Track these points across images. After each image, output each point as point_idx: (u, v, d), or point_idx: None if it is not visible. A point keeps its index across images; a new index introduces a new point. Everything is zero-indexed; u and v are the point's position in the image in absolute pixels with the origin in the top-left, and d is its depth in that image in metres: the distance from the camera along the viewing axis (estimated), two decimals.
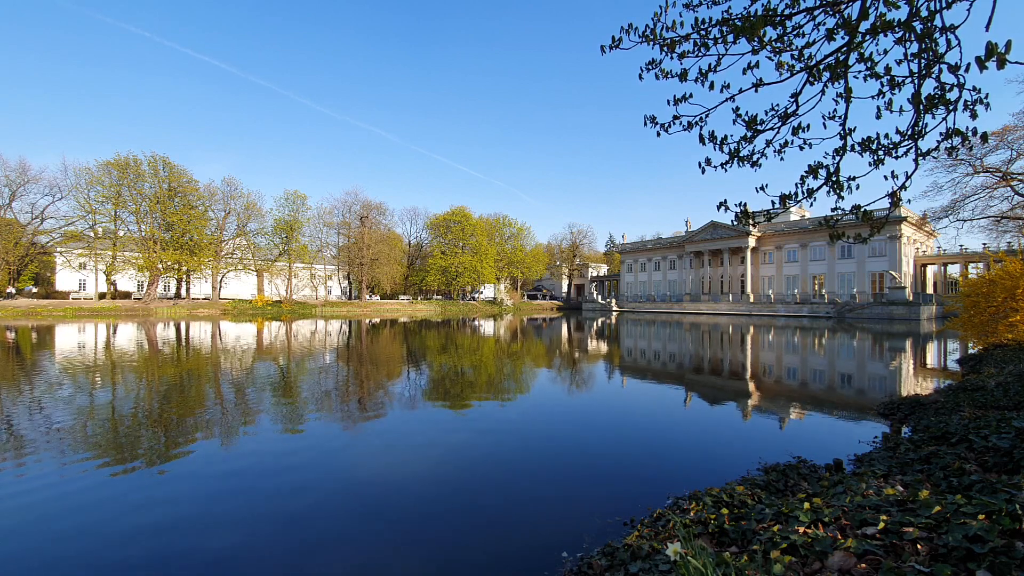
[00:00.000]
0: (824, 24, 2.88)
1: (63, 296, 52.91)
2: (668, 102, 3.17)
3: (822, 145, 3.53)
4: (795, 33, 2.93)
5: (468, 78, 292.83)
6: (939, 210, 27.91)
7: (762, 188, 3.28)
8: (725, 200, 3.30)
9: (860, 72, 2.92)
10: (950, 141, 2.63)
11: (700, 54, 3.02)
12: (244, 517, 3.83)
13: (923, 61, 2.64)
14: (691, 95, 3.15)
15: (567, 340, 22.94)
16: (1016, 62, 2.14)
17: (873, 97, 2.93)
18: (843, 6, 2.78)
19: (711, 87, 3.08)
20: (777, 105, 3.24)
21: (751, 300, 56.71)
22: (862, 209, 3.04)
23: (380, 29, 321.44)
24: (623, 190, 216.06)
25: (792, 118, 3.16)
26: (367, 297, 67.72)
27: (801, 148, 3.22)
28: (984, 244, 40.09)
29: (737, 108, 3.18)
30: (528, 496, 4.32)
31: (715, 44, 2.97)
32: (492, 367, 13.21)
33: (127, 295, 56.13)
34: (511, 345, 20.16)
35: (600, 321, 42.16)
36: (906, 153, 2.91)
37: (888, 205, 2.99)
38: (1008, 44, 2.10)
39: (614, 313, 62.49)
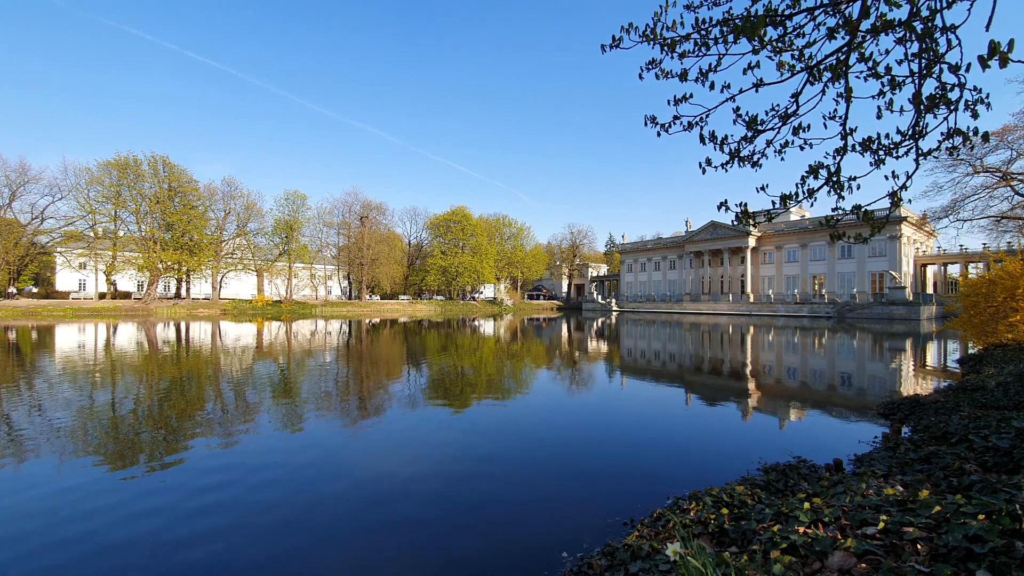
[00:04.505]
0: (825, 24, 2.88)
1: (63, 296, 52.89)
2: (668, 102, 3.17)
3: (823, 145, 3.53)
4: (796, 33, 2.93)
5: (468, 78, 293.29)
6: (939, 210, 27.88)
7: (763, 188, 3.28)
8: (726, 200, 3.30)
9: (861, 72, 2.91)
10: (951, 141, 2.63)
11: (700, 54, 3.02)
12: (244, 517, 3.83)
13: (924, 61, 2.64)
14: (691, 95, 3.14)
15: (567, 340, 22.93)
16: (1019, 60, 2.14)
17: (874, 97, 2.92)
18: (844, 6, 2.78)
19: (711, 87, 3.07)
20: (777, 105, 3.24)
21: (751, 300, 56.70)
22: (863, 209, 3.04)
23: (380, 30, 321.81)
24: (623, 190, 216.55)
25: (793, 118, 3.15)
26: (367, 297, 67.71)
27: (802, 148, 3.22)
28: (984, 244, 40.06)
29: (737, 108, 3.18)
30: (528, 496, 4.32)
31: (715, 44, 2.97)
32: (492, 367, 13.21)
33: (127, 295, 56.12)
34: (511, 345, 20.15)
35: (600, 321, 42.16)
36: (907, 153, 2.91)
37: (889, 205, 2.99)
38: (1011, 43, 2.10)
39: (614, 313, 62.48)
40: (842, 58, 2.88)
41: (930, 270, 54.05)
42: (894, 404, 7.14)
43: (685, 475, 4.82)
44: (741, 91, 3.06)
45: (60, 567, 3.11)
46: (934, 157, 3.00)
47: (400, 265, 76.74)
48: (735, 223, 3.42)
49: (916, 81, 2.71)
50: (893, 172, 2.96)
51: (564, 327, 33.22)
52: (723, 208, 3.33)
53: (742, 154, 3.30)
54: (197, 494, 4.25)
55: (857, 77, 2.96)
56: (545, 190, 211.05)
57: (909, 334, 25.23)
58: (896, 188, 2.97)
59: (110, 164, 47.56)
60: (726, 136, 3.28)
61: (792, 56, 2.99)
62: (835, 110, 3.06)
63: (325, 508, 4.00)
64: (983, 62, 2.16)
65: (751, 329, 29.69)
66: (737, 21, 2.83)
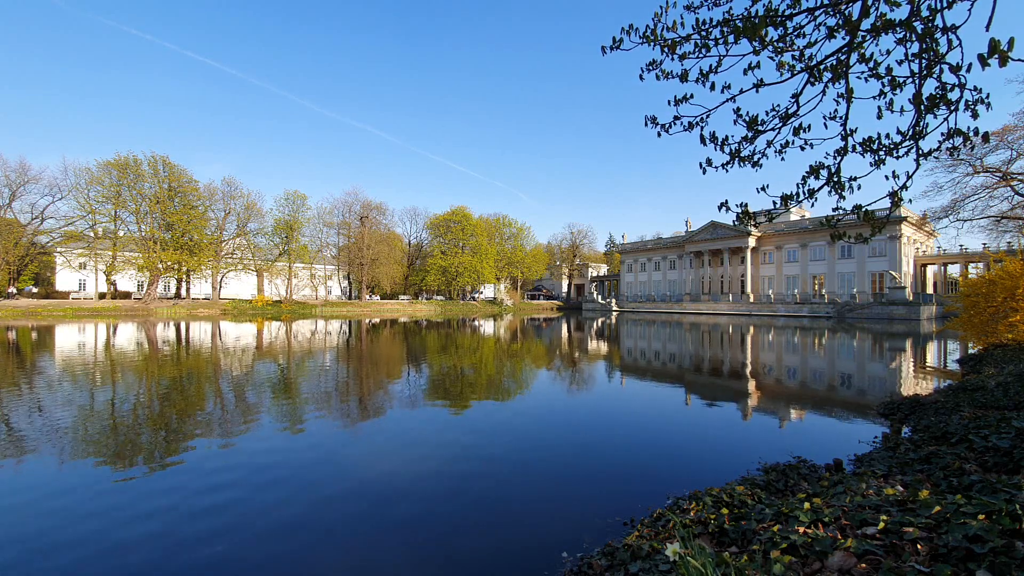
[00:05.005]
0: (825, 24, 2.88)
1: (63, 296, 52.88)
2: (669, 103, 3.17)
3: (823, 145, 3.53)
4: (796, 33, 2.93)
5: (468, 79, 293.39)
6: (939, 210, 27.90)
7: (763, 188, 3.29)
8: (727, 200, 3.30)
9: (861, 72, 2.92)
10: (951, 141, 2.63)
11: (701, 55, 3.02)
12: (244, 516, 3.83)
13: (924, 61, 2.64)
14: (692, 96, 3.14)
15: (567, 340, 22.93)
16: (1019, 59, 2.14)
17: (874, 97, 2.92)
18: (844, 6, 2.78)
19: (712, 88, 3.07)
20: (778, 105, 3.24)
21: (751, 300, 56.69)
22: (863, 209, 3.04)
23: (380, 30, 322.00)
24: (623, 190, 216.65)
25: (793, 118, 3.16)
26: (367, 297, 67.70)
27: (802, 148, 3.22)
28: (984, 244, 40.08)
29: (738, 108, 3.18)
30: (528, 496, 4.32)
31: (716, 45, 2.97)
32: (492, 367, 13.21)
33: (127, 295, 56.10)
34: (511, 345, 20.15)
35: (600, 321, 42.16)
36: (907, 153, 2.91)
37: (889, 205, 2.99)
38: (1011, 41, 2.10)
39: (614, 313, 62.48)
40: (842, 58, 2.89)
41: (930, 270, 54.05)
42: (894, 404, 7.14)
43: (685, 475, 4.83)
44: (741, 91, 3.06)
45: (65, 566, 3.12)
46: (934, 157, 3.01)
47: (400, 265, 76.72)
48: (735, 223, 3.42)
49: (916, 81, 2.71)
50: (893, 172, 2.96)
51: (564, 327, 33.22)
52: (724, 208, 3.33)
53: (742, 154, 3.30)
54: (198, 495, 4.26)
55: (857, 77, 2.97)
56: (545, 190, 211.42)
57: (909, 334, 25.23)
58: (896, 188, 2.97)
59: (110, 164, 47.55)
60: (727, 136, 3.28)
61: (792, 56, 2.99)
62: (835, 110, 3.06)
63: (325, 508, 4.01)
64: (983, 60, 2.16)
65: (751, 329, 29.70)
66: (737, 22, 2.83)
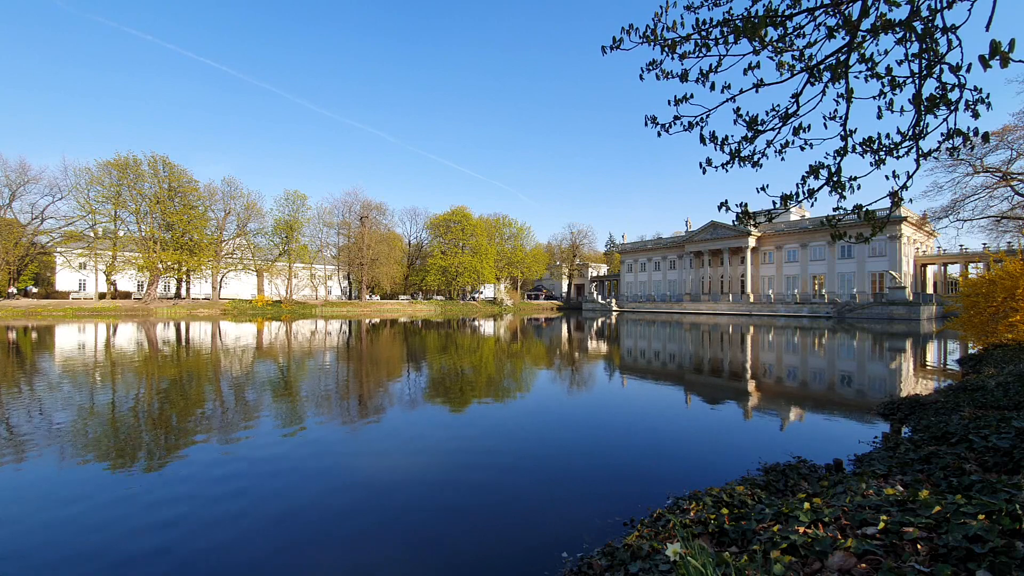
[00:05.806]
0: (825, 24, 2.88)
1: (63, 296, 52.89)
2: (669, 102, 3.17)
3: (823, 145, 3.54)
4: (796, 33, 2.93)
5: (468, 79, 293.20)
6: (939, 210, 27.91)
7: (763, 188, 3.28)
8: (726, 200, 3.30)
9: (861, 72, 2.91)
10: (951, 141, 2.62)
11: (701, 55, 3.02)
12: (243, 516, 3.83)
13: (924, 61, 2.64)
14: (692, 95, 3.14)
15: (567, 340, 22.93)
16: (1020, 60, 2.14)
17: (874, 97, 2.92)
18: (844, 6, 2.78)
19: (712, 88, 3.07)
20: (778, 105, 3.24)
21: (751, 300, 56.69)
22: (863, 209, 3.04)
23: (380, 30, 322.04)
24: (623, 190, 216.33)
25: (793, 118, 3.15)
26: (367, 297, 67.68)
27: (802, 148, 3.21)
28: (984, 244, 40.10)
29: (738, 108, 3.18)
30: (528, 496, 4.32)
31: (716, 45, 2.96)
32: (492, 367, 13.21)
33: (127, 295, 56.11)
34: (511, 345, 20.15)
35: (600, 321, 42.16)
36: (907, 153, 2.90)
37: (889, 205, 2.99)
38: (1012, 43, 2.10)
39: (614, 313, 62.47)
40: (842, 58, 2.88)
41: (930, 270, 54.05)
42: (894, 404, 7.14)
43: (685, 475, 4.83)
44: (741, 91, 3.05)
45: (63, 568, 3.12)
46: (934, 157, 3.00)
47: (400, 265, 76.67)
48: (735, 223, 3.42)
49: (916, 81, 2.71)
50: (893, 172, 2.96)
51: (564, 327, 33.21)
52: (723, 208, 3.32)
53: (742, 154, 3.29)
54: (198, 495, 4.26)
55: (857, 77, 2.96)
56: (545, 190, 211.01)
57: (909, 334, 25.22)
58: (896, 188, 2.97)
59: (110, 164, 47.53)
60: (726, 136, 3.28)
61: (792, 56, 2.99)
62: (835, 110, 3.06)
63: (324, 508, 4.01)
64: (984, 62, 2.16)
65: (751, 329, 29.70)
66: (737, 22, 2.83)
